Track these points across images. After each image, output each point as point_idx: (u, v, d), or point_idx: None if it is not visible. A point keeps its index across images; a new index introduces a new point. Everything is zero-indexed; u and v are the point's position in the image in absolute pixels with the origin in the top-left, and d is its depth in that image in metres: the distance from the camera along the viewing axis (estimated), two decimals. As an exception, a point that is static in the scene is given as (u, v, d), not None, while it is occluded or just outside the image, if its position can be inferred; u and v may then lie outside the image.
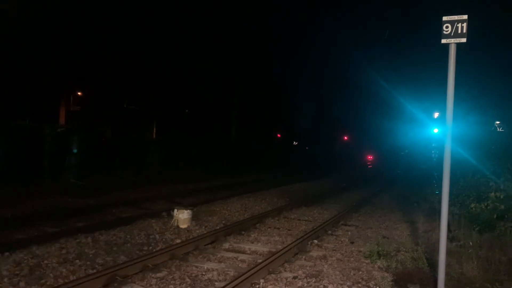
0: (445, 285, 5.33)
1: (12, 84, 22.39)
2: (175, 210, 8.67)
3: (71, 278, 5.20)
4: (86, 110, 29.60)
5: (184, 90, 31.04)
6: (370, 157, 52.16)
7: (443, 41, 5.18)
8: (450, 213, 7.32)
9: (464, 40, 5.10)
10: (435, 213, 8.60)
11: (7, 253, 5.86)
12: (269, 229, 9.04)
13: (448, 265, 5.64)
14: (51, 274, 5.29)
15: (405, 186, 21.89)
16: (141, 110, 31.80)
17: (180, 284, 5.32)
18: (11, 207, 9.87)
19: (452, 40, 5.12)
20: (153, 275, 5.54)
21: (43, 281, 5.07)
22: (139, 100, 31.40)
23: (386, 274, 5.99)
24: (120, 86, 28.48)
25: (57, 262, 5.73)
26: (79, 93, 30.67)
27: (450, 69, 5.18)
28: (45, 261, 5.72)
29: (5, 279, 4.99)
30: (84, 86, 28.85)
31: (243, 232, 8.44)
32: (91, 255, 6.23)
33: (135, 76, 27.96)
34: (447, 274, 5.44)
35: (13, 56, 21.40)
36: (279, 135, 44.21)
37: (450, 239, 7.28)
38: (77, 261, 5.90)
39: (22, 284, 4.91)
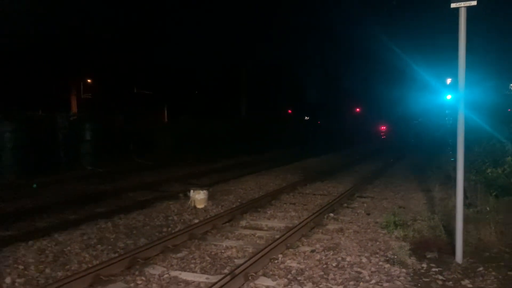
0: (463, 251, 5.35)
1: (23, 76, 22.60)
2: (192, 191, 8.76)
3: (94, 262, 5.34)
4: (97, 97, 29.82)
5: (192, 72, 30.96)
6: (383, 128, 51.74)
7: (453, 5, 5.06)
8: (466, 179, 7.28)
9: (474, 3, 4.96)
10: (451, 180, 8.56)
11: (31, 242, 6.00)
12: (284, 205, 9.11)
13: (465, 232, 5.65)
14: (75, 260, 5.43)
15: (420, 155, 21.77)
16: (151, 94, 31.90)
17: (200, 263, 5.42)
18: (30, 197, 10.08)
19: (462, 4, 4.99)
20: (173, 256, 5.65)
21: (67, 267, 5.21)
22: (149, 85, 31.46)
23: (403, 244, 6.02)
24: (129, 72, 28.53)
25: (79, 248, 5.87)
26: (89, 81, 30.84)
27: (461, 34, 5.06)
28: (68, 248, 5.86)
29: (31, 267, 5.14)
30: (94, 73, 28.98)
31: (259, 209, 8.52)
32: (112, 239, 6.37)
33: (144, 62, 27.95)
34: (464, 240, 5.46)
35: (23, 49, 21.55)
36: (290, 111, 44.03)
37: (466, 205, 7.26)
38: (99, 246, 6.04)
39: (47, 270, 5.06)
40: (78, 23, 22.89)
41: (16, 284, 4.66)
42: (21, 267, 5.11)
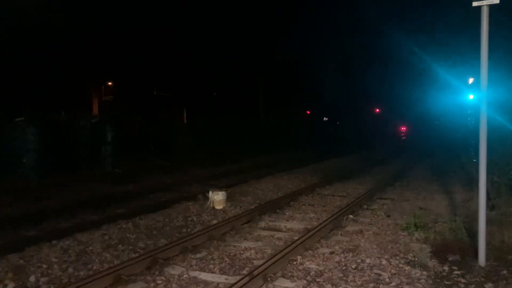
0: (486, 254, 5.25)
1: (46, 79, 23.11)
2: (210, 192, 8.82)
3: (115, 262, 5.42)
4: (117, 99, 30.26)
5: (211, 74, 31.12)
6: (403, 128, 51.16)
7: (475, 4, 4.97)
8: (489, 181, 7.14)
9: (497, 1, 4.87)
10: (473, 182, 8.39)
11: (54, 241, 6.13)
12: (303, 206, 9.08)
13: (488, 234, 5.53)
14: (96, 260, 5.52)
15: (441, 156, 21.43)
16: (170, 96, 32.20)
17: (219, 263, 5.45)
18: (53, 197, 10.28)
19: (484, 2, 4.90)
20: (193, 256, 5.69)
21: (89, 266, 5.30)
22: (168, 87, 31.77)
23: (424, 246, 5.94)
24: (149, 74, 28.85)
25: (101, 248, 5.97)
26: (110, 83, 31.32)
27: (483, 33, 4.97)
28: (90, 247, 5.96)
29: (55, 266, 5.25)
30: (115, 76, 29.41)
31: (277, 211, 8.52)
32: (132, 240, 6.45)
33: (164, 64, 28.24)
34: (488, 243, 5.35)
35: (46, 53, 22.05)
36: (308, 112, 43.87)
37: (490, 207, 7.12)
38: (120, 246, 6.12)
39: (70, 270, 5.16)
40: (98, 26, 23.28)
41: (40, 282, 4.77)
42: (44, 266, 5.23)
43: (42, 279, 4.84)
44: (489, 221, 5.72)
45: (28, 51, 21.09)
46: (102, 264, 5.40)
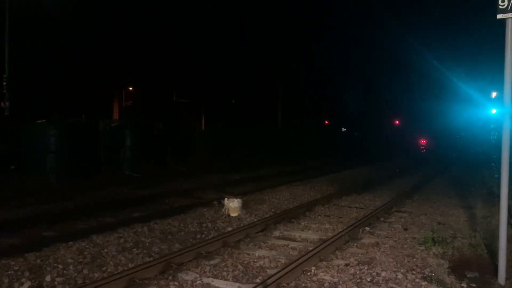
0: (506, 272, 5.11)
1: (69, 83, 23.61)
2: (226, 199, 8.82)
3: (130, 265, 5.44)
4: (137, 104, 30.69)
5: (230, 82, 31.36)
6: (423, 141, 50.47)
7: (499, 16, 4.89)
8: (511, 197, 6.96)
9: (522, 13, 4.79)
10: (494, 197, 8.22)
11: (70, 242, 6.20)
12: (319, 216, 9.00)
13: (509, 252, 5.39)
14: (111, 262, 5.56)
15: (461, 170, 21.05)
16: (189, 102, 32.52)
17: (233, 271, 5.43)
18: (71, 199, 10.44)
19: (509, 15, 4.82)
20: (206, 263, 5.68)
21: (104, 268, 5.34)
22: (188, 93, 32.11)
23: (442, 261, 5.81)
24: (169, 81, 29.24)
25: (116, 251, 6.01)
26: (130, 88, 31.80)
27: (507, 46, 4.88)
28: (105, 250, 6.01)
29: (70, 266, 5.30)
30: (135, 81, 29.88)
31: (293, 220, 8.46)
32: (147, 244, 6.48)
33: (183, 70, 28.59)
34: (508, 261, 5.21)
35: (68, 58, 22.57)
36: (326, 122, 43.68)
37: (511, 224, 6.93)
38: (135, 249, 6.16)
39: (85, 271, 5.20)
40: (120, 32, 23.73)
41: (56, 282, 4.82)
42: (60, 266, 5.28)
43: (58, 279, 4.89)
44: (510, 239, 5.58)
45: (51, 57, 21.61)
46: (117, 266, 5.43)
